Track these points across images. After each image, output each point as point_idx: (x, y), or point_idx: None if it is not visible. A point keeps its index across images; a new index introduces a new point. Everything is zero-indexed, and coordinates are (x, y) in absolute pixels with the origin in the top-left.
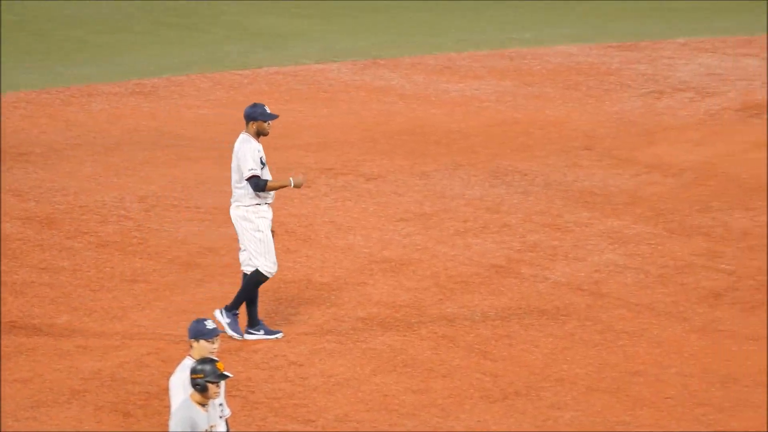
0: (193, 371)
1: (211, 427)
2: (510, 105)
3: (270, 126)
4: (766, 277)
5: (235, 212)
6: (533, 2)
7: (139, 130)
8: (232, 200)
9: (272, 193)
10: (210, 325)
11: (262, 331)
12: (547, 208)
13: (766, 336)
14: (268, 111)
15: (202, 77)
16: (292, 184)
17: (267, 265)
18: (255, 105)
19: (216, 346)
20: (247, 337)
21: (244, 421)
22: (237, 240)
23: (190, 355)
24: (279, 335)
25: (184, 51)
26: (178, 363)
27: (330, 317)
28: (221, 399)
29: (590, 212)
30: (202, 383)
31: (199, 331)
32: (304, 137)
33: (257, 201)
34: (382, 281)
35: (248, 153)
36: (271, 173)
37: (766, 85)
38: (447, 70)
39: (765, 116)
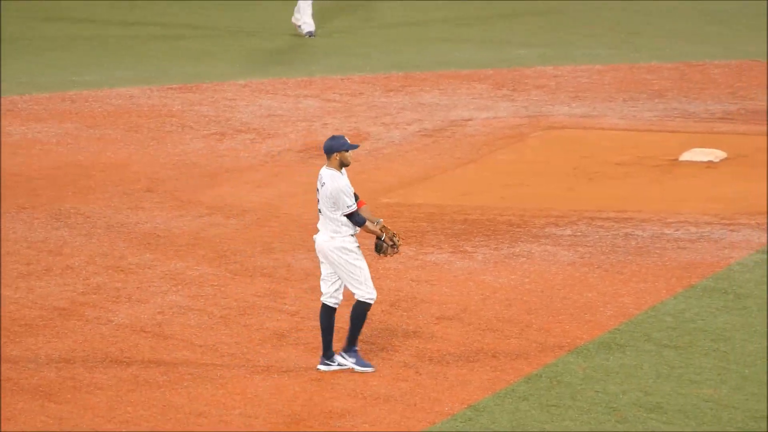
0: None
1: None
2: (72, 147)
3: (351, 155)
4: None
5: (330, 243)
6: (94, 45)
7: None
8: (325, 232)
9: None
10: None
11: (336, 363)
12: (110, 250)
13: (330, 376)
14: (349, 141)
15: None
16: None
17: (369, 291)
18: (334, 137)
19: None
20: (322, 368)
21: None
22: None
23: None
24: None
25: None
26: None
27: None
28: None
29: (153, 254)
30: None
31: None
32: None
33: (352, 231)
34: None
35: (344, 190)
36: None
37: (325, 126)
38: (9, 113)
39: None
